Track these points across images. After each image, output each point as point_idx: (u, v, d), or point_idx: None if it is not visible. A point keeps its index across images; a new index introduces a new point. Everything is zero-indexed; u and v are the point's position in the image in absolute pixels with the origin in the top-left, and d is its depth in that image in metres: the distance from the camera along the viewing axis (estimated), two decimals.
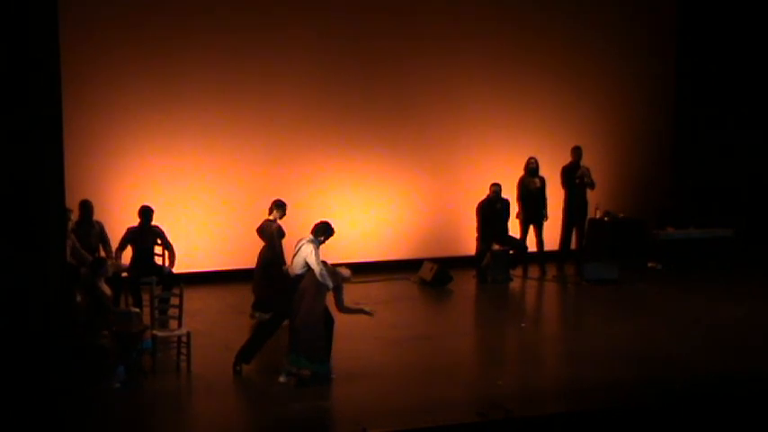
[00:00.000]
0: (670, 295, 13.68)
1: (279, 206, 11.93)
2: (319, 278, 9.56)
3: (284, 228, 11.96)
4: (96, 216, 11.95)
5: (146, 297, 11.06)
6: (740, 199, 16.24)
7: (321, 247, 9.81)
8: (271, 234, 11.84)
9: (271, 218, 11.94)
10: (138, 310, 10.56)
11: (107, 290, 9.97)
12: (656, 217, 15.83)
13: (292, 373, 9.52)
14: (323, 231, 9.91)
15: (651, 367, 10.17)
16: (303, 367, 9.47)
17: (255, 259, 12.07)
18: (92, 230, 11.79)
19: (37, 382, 7.97)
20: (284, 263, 11.50)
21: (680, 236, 15.60)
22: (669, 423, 8.97)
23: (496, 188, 14.45)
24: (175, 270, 11.85)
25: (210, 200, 14.04)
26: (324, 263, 9.70)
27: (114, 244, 11.84)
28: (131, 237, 11.83)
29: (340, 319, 10.03)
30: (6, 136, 7.83)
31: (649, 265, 15.35)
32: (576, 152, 15.09)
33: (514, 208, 14.82)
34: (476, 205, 14.49)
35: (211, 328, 11.46)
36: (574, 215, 15.15)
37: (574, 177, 14.97)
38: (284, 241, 11.84)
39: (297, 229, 11.36)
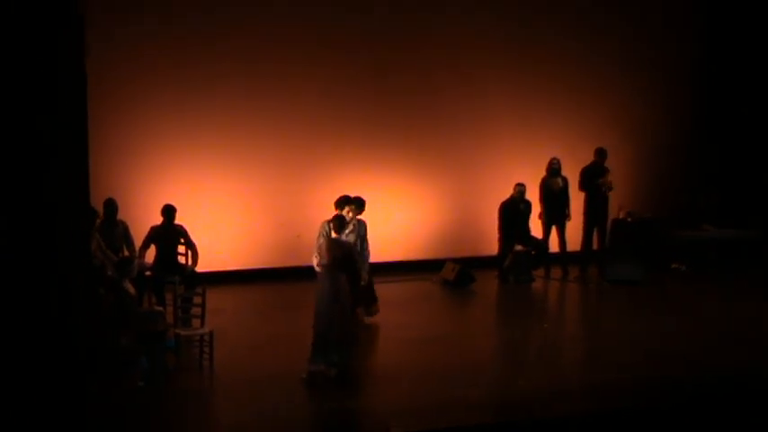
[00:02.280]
0: (693, 296, 13.62)
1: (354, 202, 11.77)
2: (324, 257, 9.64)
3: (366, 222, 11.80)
4: (120, 215, 11.96)
5: (169, 296, 11.14)
6: (764, 200, 16.10)
7: None
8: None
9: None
10: (161, 308, 10.59)
11: (131, 289, 10.04)
12: (685, 217, 15.69)
13: (312, 372, 9.55)
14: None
15: (672, 369, 10.12)
16: (320, 363, 9.52)
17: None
18: (116, 230, 11.77)
19: (60, 382, 8.01)
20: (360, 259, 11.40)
21: (704, 237, 15.51)
22: (689, 424, 8.94)
23: (521, 188, 14.40)
24: (198, 269, 11.87)
25: (233, 199, 14.07)
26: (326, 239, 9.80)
27: (137, 243, 11.87)
28: (155, 236, 11.84)
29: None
30: (32, 137, 7.89)
31: (673, 266, 15.26)
32: (600, 154, 14.93)
33: (537, 209, 14.78)
34: (498, 205, 14.47)
35: (234, 326, 11.49)
36: (595, 216, 15.03)
37: (593, 179, 14.84)
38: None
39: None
